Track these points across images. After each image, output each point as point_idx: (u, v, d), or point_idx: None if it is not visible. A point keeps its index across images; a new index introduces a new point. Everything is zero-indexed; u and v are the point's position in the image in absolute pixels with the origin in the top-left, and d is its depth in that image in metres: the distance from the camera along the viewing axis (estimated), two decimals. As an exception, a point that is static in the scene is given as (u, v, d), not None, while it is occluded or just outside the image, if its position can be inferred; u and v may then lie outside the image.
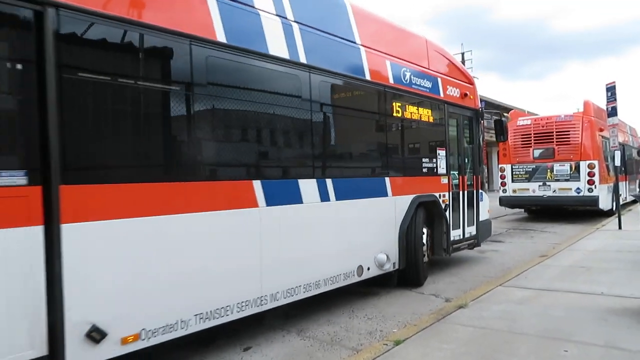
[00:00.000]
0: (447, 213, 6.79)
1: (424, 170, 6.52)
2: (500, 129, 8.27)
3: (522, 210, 16.25)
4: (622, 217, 11.21)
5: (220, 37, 3.87)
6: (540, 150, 13.79)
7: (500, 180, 14.72)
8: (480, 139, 8.03)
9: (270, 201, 4.24)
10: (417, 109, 6.40)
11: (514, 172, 14.24)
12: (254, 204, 4.10)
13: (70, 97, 2.99)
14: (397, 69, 6.02)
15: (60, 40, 2.89)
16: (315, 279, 4.72)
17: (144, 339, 3.28)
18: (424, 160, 6.56)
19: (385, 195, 5.74)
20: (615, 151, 11.48)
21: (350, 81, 5.39)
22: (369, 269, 5.45)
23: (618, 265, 6.71)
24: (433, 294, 5.92)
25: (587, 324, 4.20)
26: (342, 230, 5.10)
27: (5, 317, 2.67)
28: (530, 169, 13.93)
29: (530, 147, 14.00)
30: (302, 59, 4.68)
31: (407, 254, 6.01)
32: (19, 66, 2.82)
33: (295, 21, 4.71)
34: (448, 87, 7.06)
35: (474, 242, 7.61)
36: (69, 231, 2.89)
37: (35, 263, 2.78)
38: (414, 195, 6.18)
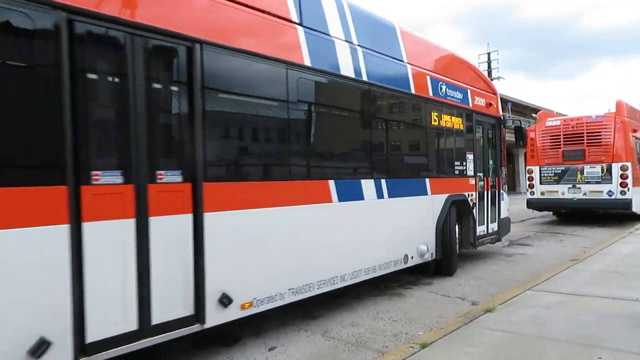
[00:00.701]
0: (474, 210, 7.58)
1: (456, 172, 7.33)
2: (520, 135, 9.24)
3: (551, 213, 15.85)
4: (657, 221, 10.82)
5: (307, 62, 4.72)
6: (570, 152, 13.43)
7: (527, 182, 14.40)
8: (502, 144, 8.77)
9: (341, 197, 5.06)
10: (451, 118, 7.18)
11: (542, 174, 13.91)
12: (329, 199, 4.94)
13: (211, 114, 3.83)
14: (435, 82, 6.80)
15: (204, 68, 3.72)
16: (372, 264, 5.50)
17: (255, 307, 4.09)
18: (455, 163, 7.33)
19: (426, 194, 6.54)
20: (650, 152, 11.08)
21: (399, 95, 6.16)
22: (412, 257, 6.23)
23: (653, 271, 6.47)
24: (459, 297, 5.83)
25: (621, 330, 4.06)
26: (393, 224, 5.90)
27: (168, 284, 3.46)
28: (560, 171, 13.58)
29: (560, 148, 13.65)
30: (364, 77, 5.48)
31: (443, 246, 6.77)
32: (175, 88, 3.69)
33: (359, 45, 5.49)
34: (475, 97, 7.87)
35: (496, 237, 8.42)
36: (209, 218, 3.70)
37: (187, 243, 3.61)
38: (448, 195, 6.96)
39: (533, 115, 17.43)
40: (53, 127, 2.92)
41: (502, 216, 8.52)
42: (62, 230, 2.95)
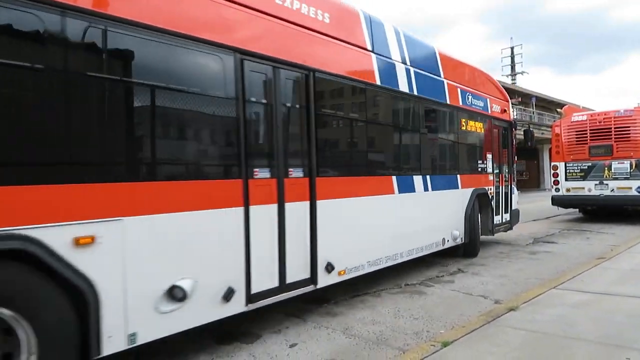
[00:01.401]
0: (492, 202, 8.81)
1: (479, 169, 8.49)
2: (527, 137, 11.03)
3: (577, 210, 15.49)
4: (690, 218, 10.45)
5: (378, 81, 5.91)
6: (597, 147, 13.08)
7: (552, 179, 14.09)
8: (513, 145, 9.97)
9: (400, 190, 6.25)
10: (475, 123, 8.40)
11: (567, 170, 13.59)
12: (392, 191, 6.15)
13: (320, 128, 5.04)
14: (463, 93, 8.01)
15: (316, 91, 4.92)
16: (420, 245, 6.70)
17: (347, 274, 5.23)
18: (478, 161, 8.50)
19: (457, 188, 7.73)
20: (682, 147, 10.69)
21: (438, 105, 7.34)
22: (448, 240, 7.42)
23: (685, 270, 6.25)
24: (482, 295, 5.74)
25: (652, 331, 3.94)
26: (434, 212, 7.09)
27: (294, 253, 4.58)
28: (586, 167, 13.24)
29: (586, 144, 13.30)
30: (415, 92, 6.64)
31: (470, 232, 7.98)
32: (298, 106, 4.82)
33: (410, 65, 6.61)
34: (493, 105, 9.12)
35: (508, 225, 9.60)
36: (319, 204, 4.85)
37: (306, 223, 4.76)
38: (474, 189, 8.16)
39: (558, 110, 17.19)
40: (236, 139, 4.10)
41: (513, 208, 9.76)
42: (240, 211, 4.06)
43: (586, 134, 13.36)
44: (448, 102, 7.52)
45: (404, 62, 6.48)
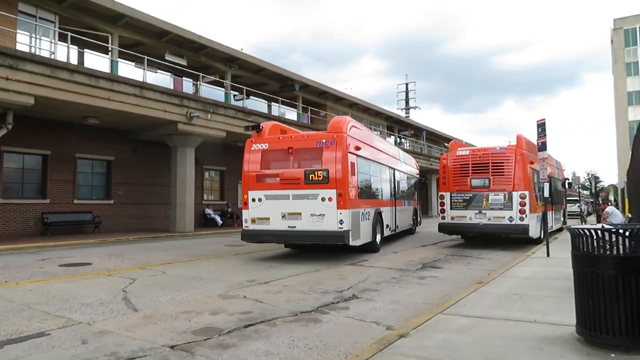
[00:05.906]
0: (417, 213, 21.95)
1: (414, 198, 21.58)
2: (422, 185, 24.06)
3: (460, 236, 16.83)
4: (550, 245, 11.85)
5: (398, 168, 18.74)
6: (477, 180, 14.41)
7: (439, 207, 15.17)
8: (420, 188, 22.52)
9: (404, 205, 18.90)
10: (415, 178, 21.71)
11: (452, 200, 14.74)
12: (403, 205, 18.82)
13: (397, 185, 18.46)
14: (411, 168, 21.34)
15: (396, 175, 18.31)
16: (405, 225, 18.85)
17: (397, 230, 17.50)
18: (414, 195, 21.37)
19: (411, 205, 20.63)
20: (545, 183, 12.15)
21: (409, 174, 20.45)
22: (408, 225, 19.58)
23: (549, 293, 6.98)
24: (375, 321, 5.84)
25: (525, 353, 4.25)
26: (408, 214, 19.60)
27: (394, 221, 16.93)
28: (468, 197, 14.48)
29: (468, 176, 14.58)
30: (405, 170, 19.69)
31: (414, 224, 21.09)
32: (393, 179, 17.83)
33: (402, 161, 19.58)
34: (415, 170, 22.04)
35: (419, 225, 22.21)
36: (397, 208, 17.32)
37: (393, 212, 16.70)
38: (414, 206, 21.25)
39: (445, 144, 20.00)
40: (390, 190, 16.78)
41: (419, 216, 22.40)
42: (391, 208, 16.25)
43: (468, 167, 14.67)
44: (409, 172, 19.96)
45: (401, 160, 18.82)
